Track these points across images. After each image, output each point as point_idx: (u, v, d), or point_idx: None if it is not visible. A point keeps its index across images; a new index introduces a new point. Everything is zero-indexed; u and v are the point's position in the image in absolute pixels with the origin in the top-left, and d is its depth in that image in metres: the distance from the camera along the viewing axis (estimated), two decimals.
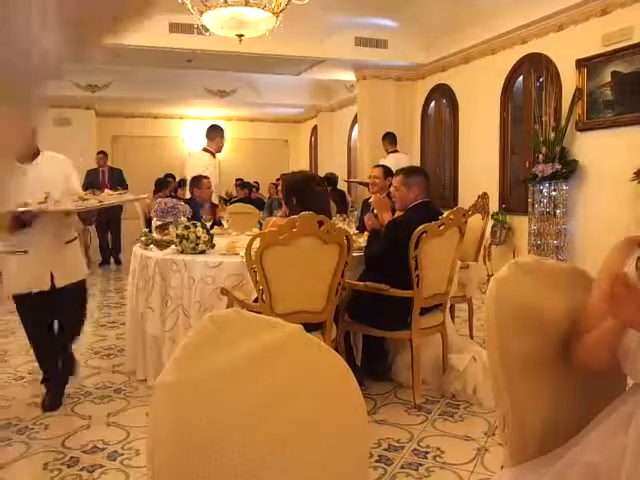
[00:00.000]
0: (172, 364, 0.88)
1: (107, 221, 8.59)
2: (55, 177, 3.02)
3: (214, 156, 5.63)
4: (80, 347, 4.27)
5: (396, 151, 7.45)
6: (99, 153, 8.96)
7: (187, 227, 3.34)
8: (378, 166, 4.79)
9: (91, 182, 8.22)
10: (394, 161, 6.69)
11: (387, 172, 4.61)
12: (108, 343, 4.38)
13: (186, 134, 12.69)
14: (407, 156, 7.38)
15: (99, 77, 9.53)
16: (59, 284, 3.03)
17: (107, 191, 3.08)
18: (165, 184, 8.51)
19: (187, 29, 6.19)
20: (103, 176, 8.67)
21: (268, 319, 1.06)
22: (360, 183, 7.97)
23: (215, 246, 3.43)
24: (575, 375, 1.30)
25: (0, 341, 4.44)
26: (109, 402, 3.18)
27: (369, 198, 4.80)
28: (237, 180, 10.72)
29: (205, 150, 5.64)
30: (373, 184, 4.64)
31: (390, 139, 7.54)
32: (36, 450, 2.59)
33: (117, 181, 8.20)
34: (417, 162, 7.93)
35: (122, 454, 2.55)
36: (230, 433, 0.89)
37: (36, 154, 3.01)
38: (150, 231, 3.83)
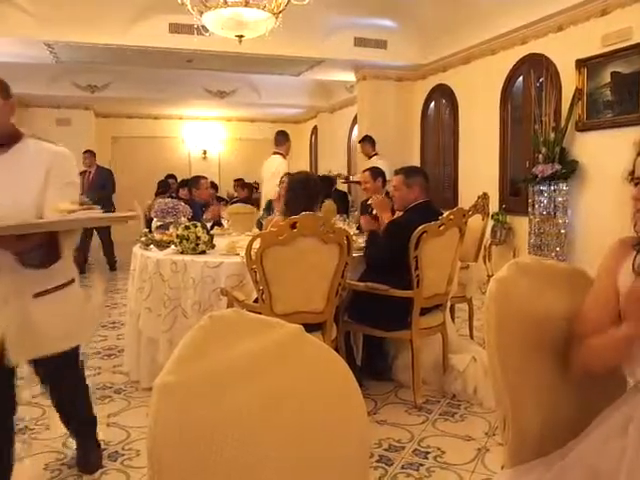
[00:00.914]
0: (172, 364, 0.88)
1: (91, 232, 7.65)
2: (27, 177, 1.89)
3: (285, 158, 6.39)
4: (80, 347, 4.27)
5: (376, 154, 7.46)
6: (85, 152, 8.05)
7: (187, 227, 3.34)
8: (365, 170, 4.82)
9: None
10: (380, 164, 6.67)
11: (375, 174, 4.64)
12: (108, 343, 4.38)
13: (186, 135, 12.70)
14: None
15: (98, 77, 9.53)
16: (17, 360, 1.94)
17: (62, 206, 1.82)
18: (168, 186, 8.44)
19: (187, 29, 6.20)
20: (88, 177, 7.82)
21: (268, 319, 1.06)
22: (356, 182, 8.02)
23: (215, 246, 3.43)
24: (575, 376, 1.30)
25: None
26: (109, 402, 3.18)
27: (367, 199, 4.81)
28: (236, 181, 10.73)
29: (276, 153, 6.41)
30: (365, 189, 4.68)
31: (371, 142, 7.55)
32: (37, 450, 2.60)
33: (102, 182, 7.61)
34: (417, 163, 7.94)
35: (123, 454, 2.55)
36: (230, 433, 0.89)
37: (15, 138, 1.92)
38: (150, 231, 3.83)
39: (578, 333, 1.27)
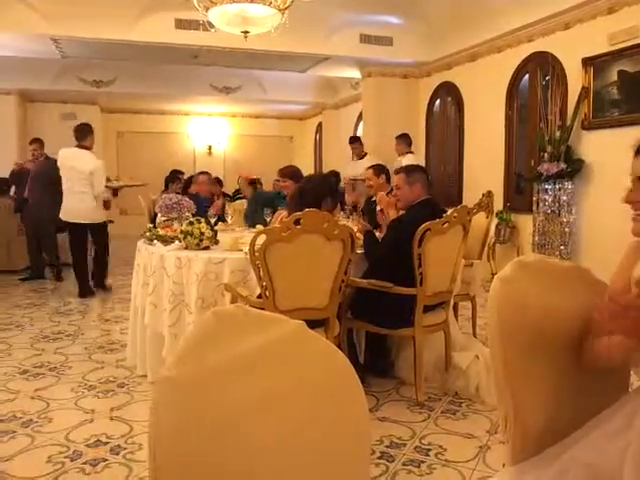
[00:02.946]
0: (174, 359, 0.89)
1: (36, 229, 6.85)
2: None
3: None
4: (84, 341, 4.30)
5: (367, 154, 7.61)
6: (32, 142, 6.98)
7: (191, 223, 3.34)
8: (368, 168, 4.83)
9: (20, 177, 6.86)
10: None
11: (378, 170, 4.66)
12: (112, 338, 4.39)
13: (191, 130, 12.71)
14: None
15: (104, 72, 9.56)
16: None
17: None
18: (174, 180, 8.37)
19: (193, 25, 6.22)
20: (35, 167, 6.81)
21: (271, 315, 1.07)
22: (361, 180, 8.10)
23: (219, 242, 3.44)
24: (577, 374, 1.30)
25: (4, 335, 4.46)
26: (112, 396, 3.20)
27: (372, 197, 4.81)
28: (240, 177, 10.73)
29: (409, 152, 7.16)
30: (369, 187, 4.70)
31: (361, 143, 7.79)
32: (40, 443, 2.61)
33: (46, 175, 6.54)
34: (422, 160, 7.92)
35: (125, 448, 2.56)
36: (231, 429, 0.90)
37: None
38: (155, 227, 3.84)
39: (593, 332, 1.27)
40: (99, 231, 6.08)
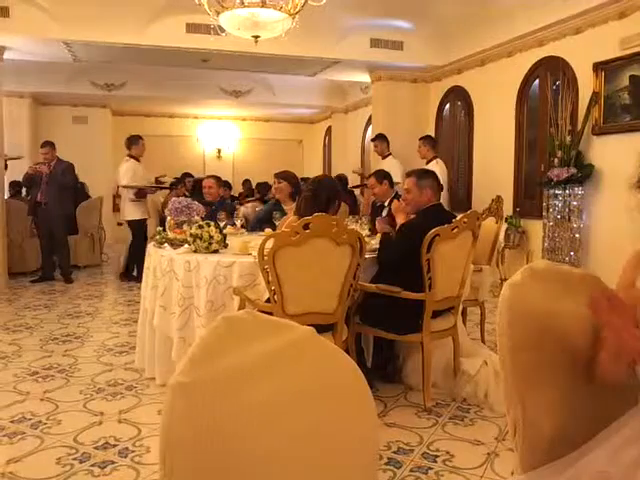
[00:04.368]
0: (186, 364, 0.89)
1: (49, 232, 6.91)
2: None
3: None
4: (93, 344, 4.32)
5: (390, 154, 7.31)
6: (43, 145, 6.89)
7: (201, 227, 3.36)
8: (370, 176, 4.82)
9: (33, 180, 6.81)
10: (394, 165, 6.65)
11: (379, 177, 4.66)
12: (121, 340, 4.41)
13: (201, 134, 12.77)
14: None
15: (115, 76, 9.63)
16: None
17: None
18: (177, 183, 8.40)
19: (204, 29, 6.23)
20: (49, 170, 6.74)
21: (281, 321, 1.07)
22: (362, 185, 8.06)
23: (228, 246, 3.45)
24: (588, 383, 1.29)
25: (15, 337, 4.49)
26: (121, 399, 3.21)
27: (376, 202, 4.82)
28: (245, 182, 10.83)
29: (436, 157, 6.82)
30: (375, 194, 4.70)
31: (386, 141, 7.35)
32: (49, 445, 2.63)
33: (59, 178, 6.68)
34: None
35: (133, 451, 2.57)
36: (241, 434, 0.90)
37: None
38: (164, 230, 3.86)
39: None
40: (131, 228, 6.98)
